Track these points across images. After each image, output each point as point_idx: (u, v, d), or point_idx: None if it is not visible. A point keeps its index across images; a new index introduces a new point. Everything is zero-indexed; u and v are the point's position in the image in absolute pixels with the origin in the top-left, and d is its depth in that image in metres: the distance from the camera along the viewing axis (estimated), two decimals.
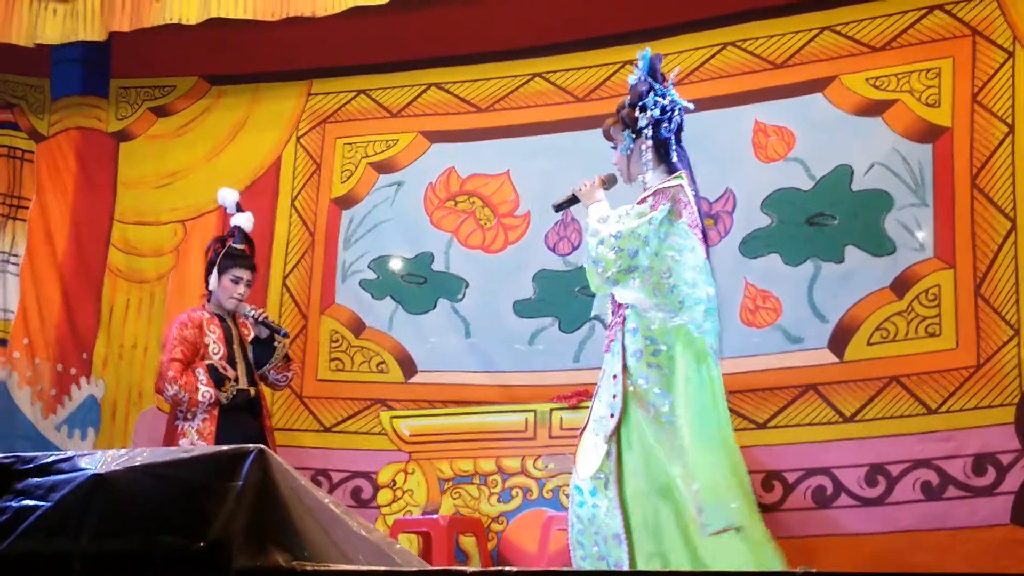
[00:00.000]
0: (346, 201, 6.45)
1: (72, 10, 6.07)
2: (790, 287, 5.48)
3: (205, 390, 4.88)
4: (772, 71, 5.71)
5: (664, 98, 3.92)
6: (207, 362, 4.95)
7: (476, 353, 6.03)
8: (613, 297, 3.87)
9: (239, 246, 5.17)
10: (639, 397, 3.68)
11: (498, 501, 5.52)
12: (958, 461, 5.01)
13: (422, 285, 6.20)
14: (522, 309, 5.99)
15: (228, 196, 5.36)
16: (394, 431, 5.83)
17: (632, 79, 3.99)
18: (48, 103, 6.96)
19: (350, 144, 6.51)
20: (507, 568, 2.42)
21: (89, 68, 6.87)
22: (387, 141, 6.45)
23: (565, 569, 3.97)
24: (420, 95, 6.42)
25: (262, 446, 2.42)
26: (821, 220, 5.49)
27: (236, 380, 5.00)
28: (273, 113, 6.65)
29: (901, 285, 5.29)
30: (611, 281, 3.77)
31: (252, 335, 5.21)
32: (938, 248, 5.26)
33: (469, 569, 3.34)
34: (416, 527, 5.42)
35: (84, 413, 6.55)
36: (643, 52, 3.99)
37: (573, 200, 4.12)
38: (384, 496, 5.79)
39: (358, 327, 6.26)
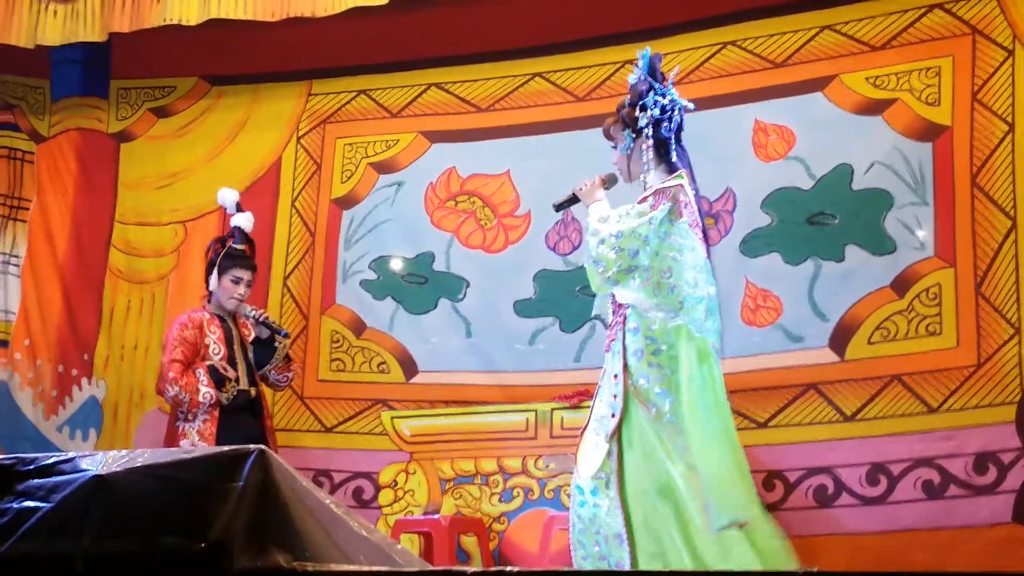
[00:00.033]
0: (347, 201, 6.45)
1: (72, 11, 6.07)
2: (791, 286, 5.48)
3: (206, 391, 4.88)
4: (772, 70, 5.72)
5: (664, 97, 3.92)
6: (208, 363, 4.95)
7: (477, 353, 6.03)
8: (614, 297, 3.87)
9: (239, 246, 5.16)
10: (640, 396, 3.68)
11: (499, 501, 5.52)
12: (959, 460, 5.01)
13: (423, 285, 6.20)
14: (523, 309, 6.00)
15: (228, 196, 5.36)
16: (395, 431, 5.84)
17: (632, 78, 3.99)
18: (48, 104, 6.96)
19: (350, 144, 6.52)
20: (508, 568, 2.42)
21: (89, 69, 6.87)
22: (387, 141, 6.45)
23: (566, 569, 3.96)
24: (420, 95, 6.43)
25: (263, 447, 2.41)
26: (821, 219, 5.49)
27: (237, 381, 5.00)
28: (273, 113, 6.65)
29: (902, 284, 5.29)
30: (612, 281, 3.77)
31: (252, 335, 5.20)
32: (938, 247, 5.26)
33: (470, 569, 3.33)
34: (418, 527, 5.42)
35: (86, 414, 6.56)
36: (643, 51, 3.99)
37: (573, 200, 4.12)
38: (385, 496, 5.80)
39: (359, 327, 6.26)
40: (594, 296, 4.09)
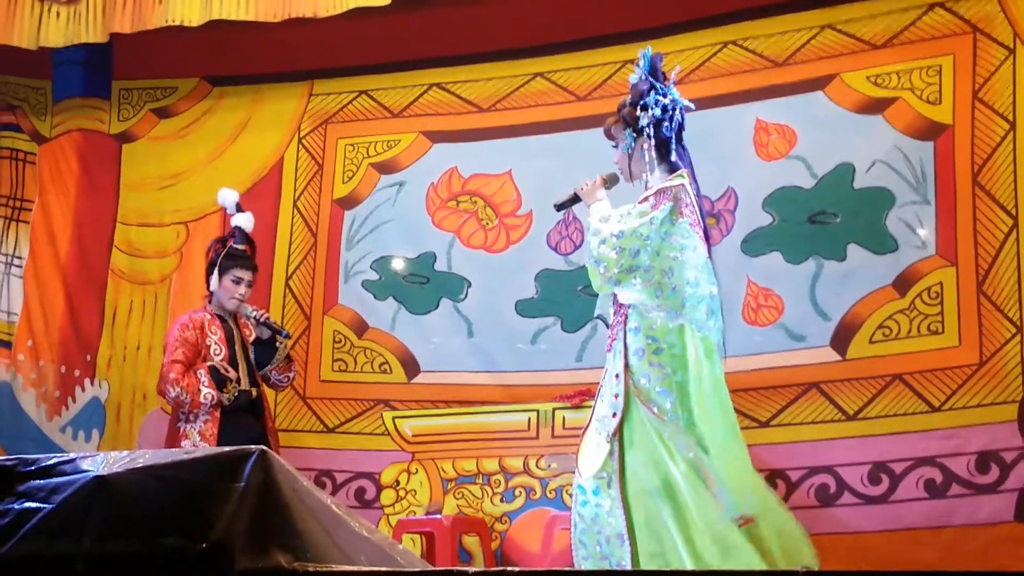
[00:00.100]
0: (348, 202, 6.45)
1: (74, 12, 6.08)
2: (792, 285, 5.48)
3: (207, 391, 4.88)
4: (773, 69, 5.72)
5: (665, 97, 3.92)
6: (209, 364, 4.95)
7: (479, 353, 6.03)
8: (615, 296, 3.87)
9: (240, 246, 5.15)
10: (641, 396, 3.69)
11: (501, 501, 5.52)
12: (961, 459, 5.00)
13: (424, 285, 6.20)
14: (524, 309, 6.00)
15: (228, 196, 5.36)
16: (397, 431, 5.84)
17: (633, 78, 4.00)
18: (50, 105, 6.96)
19: (352, 145, 6.52)
20: (510, 568, 2.43)
21: (91, 70, 6.88)
22: (389, 141, 6.46)
23: (568, 569, 3.97)
24: (421, 95, 6.43)
25: (264, 447, 2.42)
26: (823, 218, 5.49)
27: (238, 381, 5.00)
28: (275, 114, 6.65)
29: (903, 283, 5.29)
30: (613, 280, 3.77)
31: (253, 336, 5.20)
32: (940, 246, 5.25)
33: (472, 569, 3.34)
34: (420, 527, 5.42)
35: (88, 415, 6.56)
36: (644, 51, 3.99)
37: (575, 199, 4.12)
38: (387, 496, 5.80)
39: (361, 328, 6.26)
40: (596, 296, 4.09)
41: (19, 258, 6.81)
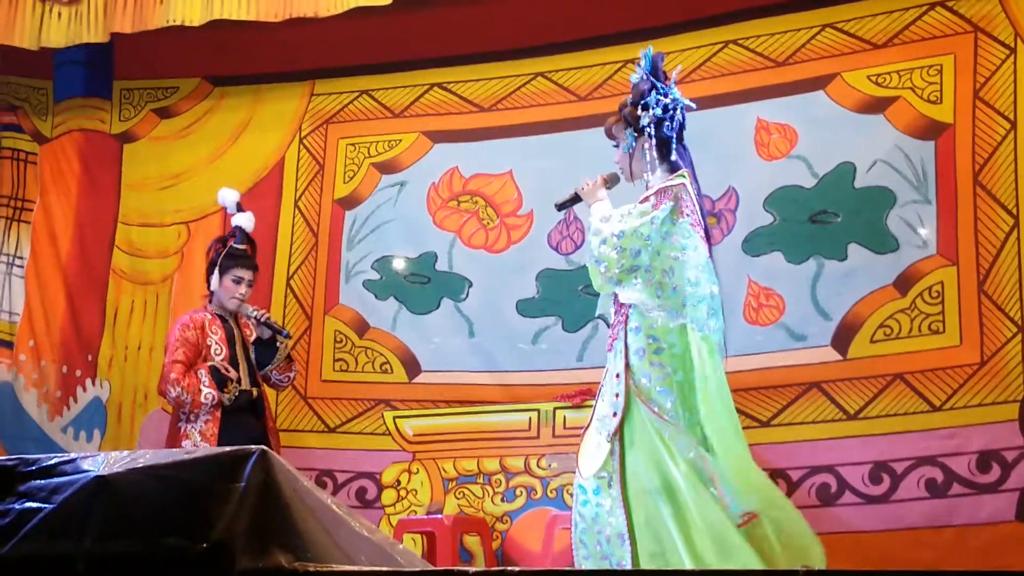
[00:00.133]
0: (349, 201, 6.45)
1: (76, 13, 6.08)
2: (793, 285, 5.48)
3: (207, 391, 4.88)
4: (774, 69, 5.71)
5: (666, 96, 3.92)
6: (209, 363, 4.95)
7: (480, 353, 6.03)
8: (616, 296, 3.87)
9: (240, 246, 5.15)
10: (642, 395, 3.69)
11: (502, 500, 5.53)
12: (962, 458, 5.00)
13: (425, 285, 6.21)
14: (525, 308, 6.00)
15: (228, 196, 5.36)
16: (398, 431, 5.84)
17: (634, 78, 4.00)
18: (51, 105, 6.97)
19: (353, 144, 6.52)
20: (511, 568, 2.43)
21: (92, 70, 6.88)
22: (390, 141, 6.46)
23: (569, 569, 3.97)
24: (422, 95, 6.43)
25: (264, 447, 2.42)
26: (824, 218, 5.49)
27: (238, 381, 5.00)
28: (276, 114, 6.66)
29: (904, 282, 5.29)
30: (613, 280, 3.77)
31: (254, 336, 5.20)
32: (941, 245, 5.25)
33: (472, 569, 3.34)
34: (420, 527, 5.43)
35: (90, 415, 6.56)
36: (645, 51, 3.99)
37: (576, 199, 4.12)
38: (388, 496, 5.80)
39: (362, 327, 6.26)
40: (597, 296, 4.10)
41: (20, 258, 6.81)
